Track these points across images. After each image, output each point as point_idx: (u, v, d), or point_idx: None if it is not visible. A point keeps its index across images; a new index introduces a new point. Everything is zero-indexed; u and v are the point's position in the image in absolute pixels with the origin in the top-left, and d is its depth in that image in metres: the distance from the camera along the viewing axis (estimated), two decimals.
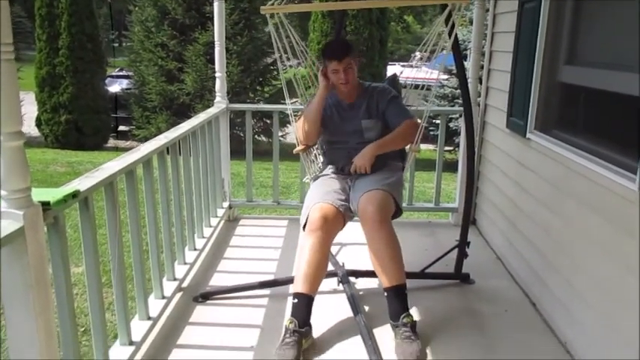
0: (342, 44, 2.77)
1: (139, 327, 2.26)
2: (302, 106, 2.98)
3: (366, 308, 2.62)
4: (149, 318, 2.34)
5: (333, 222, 2.43)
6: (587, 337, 2.20)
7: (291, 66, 3.03)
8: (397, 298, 2.34)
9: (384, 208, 2.41)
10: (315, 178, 2.75)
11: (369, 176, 2.56)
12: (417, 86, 2.86)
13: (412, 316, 2.32)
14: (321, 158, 2.92)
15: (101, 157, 8.67)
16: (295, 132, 2.78)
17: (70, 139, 10.86)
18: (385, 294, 2.37)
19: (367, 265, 2.51)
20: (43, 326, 1.42)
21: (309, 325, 2.31)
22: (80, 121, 10.89)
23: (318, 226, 2.37)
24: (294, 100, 3.29)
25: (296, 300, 2.32)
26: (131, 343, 2.15)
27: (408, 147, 2.76)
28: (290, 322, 2.26)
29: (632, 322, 1.89)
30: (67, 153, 9.94)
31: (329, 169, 2.76)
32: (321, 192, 2.55)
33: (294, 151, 2.78)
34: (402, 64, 15.10)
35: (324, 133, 2.78)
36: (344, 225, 2.53)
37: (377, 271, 2.40)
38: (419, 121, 2.66)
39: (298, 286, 2.33)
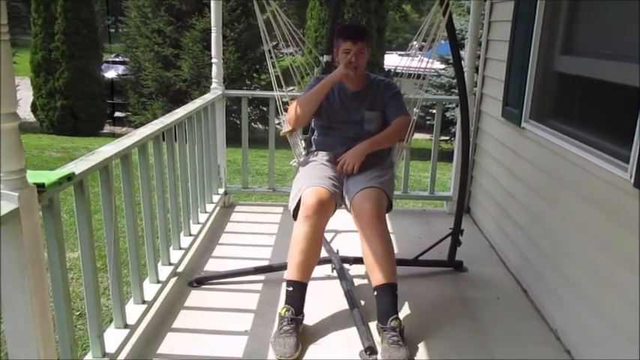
0: (361, 27, 2.72)
1: (133, 311, 2.27)
2: (298, 94, 2.95)
3: (360, 295, 2.64)
4: (144, 302, 2.36)
5: (328, 207, 2.39)
6: (578, 325, 2.23)
7: (291, 53, 3.02)
8: (387, 298, 2.27)
9: (380, 205, 2.40)
10: (305, 163, 2.70)
11: (363, 173, 2.53)
12: (411, 75, 2.85)
13: (401, 320, 2.24)
14: (303, 143, 2.88)
15: (97, 143, 8.62)
16: (287, 114, 2.73)
17: (65, 125, 10.82)
18: (375, 293, 2.30)
19: (361, 252, 2.51)
20: (38, 308, 1.43)
21: (303, 312, 2.32)
22: (76, 106, 10.84)
23: (314, 211, 2.32)
24: (291, 88, 3.29)
25: (291, 288, 2.32)
26: (126, 326, 2.16)
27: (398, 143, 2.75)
28: (286, 310, 2.26)
29: (621, 309, 1.91)
30: (63, 139, 9.91)
31: (321, 156, 2.70)
32: (315, 176, 2.50)
33: (281, 133, 2.75)
34: (399, 53, 15.06)
35: (319, 118, 2.76)
36: (334, 211, 2.51)
37: (369, 268, 2.34)
38: (413, 115, 2.66)
39: (292, 274, 2.32)
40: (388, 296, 2.28)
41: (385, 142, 2.66)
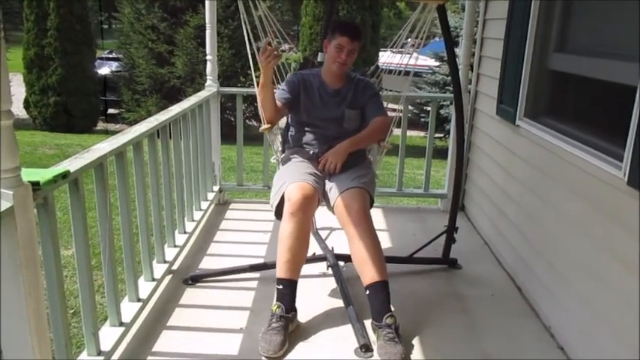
0: (359, 28, 2.72)
1: (128, 308, 2.27)
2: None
3: (355, 292, 2.64)
4: (139, 300, 2.35)
5: (312, 203, 2.39)
6: (571, 321, 2.24)
7: (283, 51, 3.01)
8: (380, 296, 2.27)
9: (365, 205, 2.41)
10: (286, 160, 2.68)
11: (345, 172, 2.53)
12: (400, 72, 2.88)
13: (395, 318, 2.24)
14: (279, 138, 2.85)
15: (90, 140, 8.60)
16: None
17: (59, 122, 10.74)
18: (367, 292, 2.30)
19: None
20: (32, 306, 1.43)
21: (295, 310, 2.33)
22: (69, 103, 10.75)
23: (300, 207, 2.31)
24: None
25: (281, 286, 2.32)
26: (121, 324, 2.16)
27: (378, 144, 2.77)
28: (277, 308, 2.27)
29: (614, 307, 1.93)
30: (56, 135, 9.85)
31: (301, 153, 2.68)
32: (297, 173, 2.49)
33: (260, 129, 2.67)
34: (392, 50, 15.06)
35: (298, 115, 2.72)
36: (317, 208, 2.51)
37: (359, 267, 2.34)
38: (394, 114, 2.70)
39: (282, 272, 2.32)
40: (381, 294, 2.28)
41: (366, 141, 2.69)
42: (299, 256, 2.35)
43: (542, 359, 2.24)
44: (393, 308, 2.29)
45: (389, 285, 2.30)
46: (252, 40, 2.61)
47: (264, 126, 2.64)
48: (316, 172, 2.55)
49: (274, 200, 2.47)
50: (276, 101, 2.63)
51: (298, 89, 2.70)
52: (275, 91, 2.67)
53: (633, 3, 2.01)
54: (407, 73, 2.86)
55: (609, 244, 1.99)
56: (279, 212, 2.43)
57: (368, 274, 2.29)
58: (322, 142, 2.65)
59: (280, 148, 2.82)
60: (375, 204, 2.57)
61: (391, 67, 2.89)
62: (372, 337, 2.26)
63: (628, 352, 1.80)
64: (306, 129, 2.73)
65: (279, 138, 2.86)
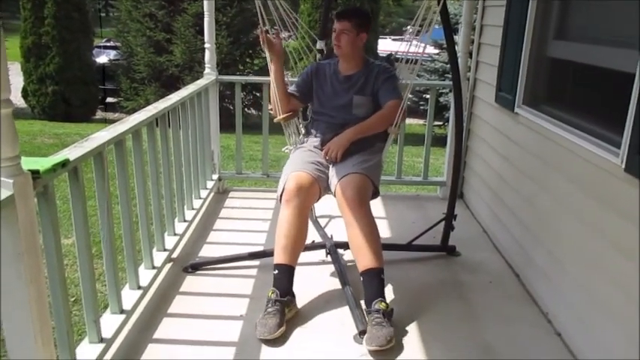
0: (353, 10, 2.75)
1: (129, 296, 2.29)
2: (294, 79, 2.95)
3: (354, 279, 2.66)
4: (139, 287, 2.37)
5: (309, 191, 2.41)
6: (568, 307, 2.26)
7: (284, 38, 3.01)
8: (373, 282, 2.28)
9: (363, 191, 2.40)
10: (295, 149, 2.73)
11: (349, 159, 2.53)
12: (409, 60, 2.83)
13: (387, 304, 2.24)
14: (303, 130, 2.88)
15: (89, 129, 8.58)
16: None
17: (57, 111, 10.72)
18: (361, 278, 2.31)
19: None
20: (34, 294, 1.44)
21: (292, 295, 2.35)
22: (67, 92, 10.73)
23: (293, 195, 2.37)
24: (286, 72, 3.27)
25: (276, 271, 2.34)
26: (122, 311, 2.18)
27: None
28: (272, 293, 2.29)
29: (611, 292, 1.95)
30: (55, 125, 9.83)
31: (310, 142, 2.72)
32: (299, 162, 2.54)
33: (275, 120, 2.74)
34: (393, 37, 14.98)
35: (312, 104, 2.77)
36: (320, 196, 2.53)
37: (355, 254, 2.36)
38: (405, 101, 2.64)
39: (278, 258, 2.35)
40: (374, 280, 2.29)
41: (373, 128, 2.60)
42: (296, 243, 2.37)
43: (540, 345, 2.26)
44: (392, 296, 2.30)
45: (384, 272, 2.31)
46: (265, 22, 2.63)
47: (280, 116, 2.66)
48: (320, 160, 2.57)
49: (279, 189, 2.51)
50: (292, 92, 2.74)
51: (310, 79, 2.75)
52: (293, 79, 2.76)
53: None
54: (415, 62, 2.83)
55: (607, 230, 2.00)
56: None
57: (362, 260, 2.31)
58: (330, 131, 2.64)
59: (301, 138, 2.84)
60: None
61: (408, 57, 2.83)
62: None
63: (625, 338, 1.82)
64: (320, 117, 2.75)
65: (295, 129, 2.88)
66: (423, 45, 2.76)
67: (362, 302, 2.34)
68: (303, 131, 2.88)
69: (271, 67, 2.68)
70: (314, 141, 2.70)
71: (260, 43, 2.63)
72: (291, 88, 2.78)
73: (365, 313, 2.28)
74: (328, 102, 2.71)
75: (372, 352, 2.12)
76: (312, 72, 2.77)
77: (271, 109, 2.78)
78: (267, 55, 2.63)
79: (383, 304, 2.23)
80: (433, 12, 2.51)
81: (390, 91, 2.62)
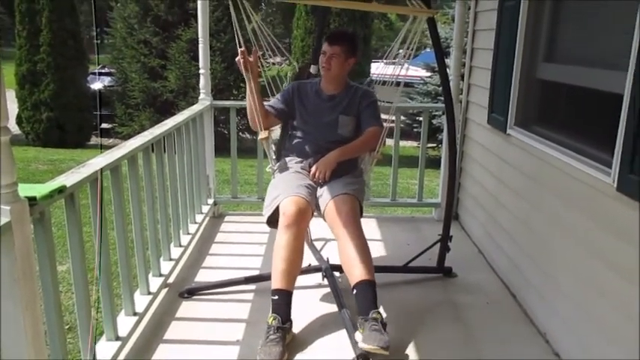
0: (344, 34, 2.80)
1: (125, 322, 2.27)
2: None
3: (351, 303, 2.65)
4: (135, 313, 2.35)
5: (306, 215, 2.46)
6: (566, 327, 2.26)
7: (274, 64, 3.05)
8: (367, 293, 2.28)
9: (355, 210, 2.49)
10: (281, 170, 2.73)
11: (336, 180, 2.59)
12: (385, 82, 2.92)
13: (382, 315, 2.24)
14: (273, 147, 2.87)
15: (84, 155, 8.58)
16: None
17: (51, 137, 10.72)
18: (354, 291, 2.31)
19: (338, 256, 2.50)
20: (29, 320, 1.43)
21: (291, 321, 2.34)
22: (62, 118, 10.74)
23: (295, 220, 2.37)
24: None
25: (276, 297, 2.33)
26: (117, 338, 2.16)
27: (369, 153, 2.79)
28: (273, 319, 2.27)
29: (607, 312, 1.95)
30: (49, 151, 9.82)
31: (295, 162, 2.73)
32: (292, 185, 2.54)
33: (259, 138, 2.75)
34: (385, 61, 15.14)
35: (294, 121, 2.79)
36: (311, 219, 2.56)
37: (347, 268, 2.37)
38: (385, 125, 2.72)
39: (277, 282, 2.34)
40: (368, 292, 2.29)
41: (357, 151, 2.72)
42: (294, 267, 2.37)
43: None
44: (389, 317, 2.29)
45: (375, 285, 2.31)
46: (241, 43, 2.64)
47: (262, 134, 2.68)
48: (309, 182, 2.60)
49: (268, 210, 2.52)
50: (268, 109, 2.73)
51: (292, 97, 2.78)
52: (270, 100, 2.75)
53: (618, 14, 2.06)
54: (397, 83, 2.90)
55: (600, 249, 2.01)
56: (270, 221, 2.51)
57: (355, 273, 2.33)
58: (316, 150, 2.68)
59: (274, 157, 2.85)
60: (369, 214, 2.61)
61: (385, 79, 2.93)
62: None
63: (624, 357, 1.81)
64: (302, 135, 2.77)
65: (273, 147, 2.88)
66: (407, 67, 2.82)
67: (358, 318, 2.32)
68: (274, 149, 2.87)
69: (248, 81, 2.62)
70: (299, 162, 2.73)
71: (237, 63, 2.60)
72: (268, 104, 2.78)
73: (360, 322, 2.25)
74: (311, 119, 2.75)
75: (369, 353, 2.12)
76: (293, 90, 2.80)
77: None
78: (245, 74, 2.61)
79: (379, 315, 2.24)
80: (414, 34, 2.60)
81: (372, 118, 2.72)
